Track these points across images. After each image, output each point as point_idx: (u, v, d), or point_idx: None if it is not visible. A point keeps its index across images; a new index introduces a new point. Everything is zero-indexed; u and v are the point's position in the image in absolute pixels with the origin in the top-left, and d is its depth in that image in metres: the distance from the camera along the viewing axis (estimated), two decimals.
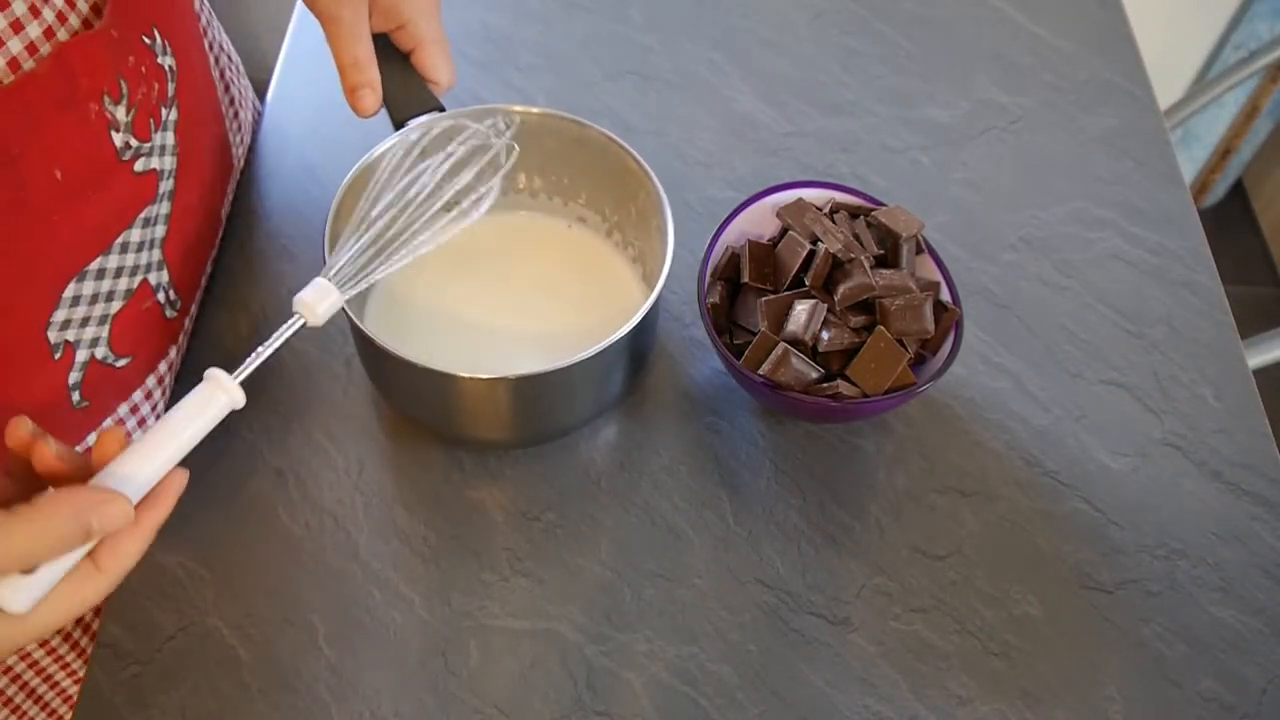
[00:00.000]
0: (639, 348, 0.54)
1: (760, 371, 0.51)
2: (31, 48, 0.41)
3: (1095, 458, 0.57)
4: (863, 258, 0.52)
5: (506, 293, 0.59)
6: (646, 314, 0.50)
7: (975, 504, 0.55)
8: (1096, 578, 0.53)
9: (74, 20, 0.43)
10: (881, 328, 0.51)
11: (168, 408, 0.57)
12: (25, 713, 0.61)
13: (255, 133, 0.69)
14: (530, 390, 0.50)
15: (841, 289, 0.51)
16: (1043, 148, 0.71)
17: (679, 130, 0.71)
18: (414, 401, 0.54)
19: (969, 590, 0.52)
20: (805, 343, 0.51)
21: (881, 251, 0.54)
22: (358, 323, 0.49)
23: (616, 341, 0.49)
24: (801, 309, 0.51)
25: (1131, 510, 0.55)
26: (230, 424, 0.57)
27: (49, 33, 0.42)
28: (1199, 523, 0.55)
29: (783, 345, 0.51)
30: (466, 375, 0.48)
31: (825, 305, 0.52)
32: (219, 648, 0.50)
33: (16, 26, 0.40)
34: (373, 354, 0.52)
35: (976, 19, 0.79)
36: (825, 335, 0.51)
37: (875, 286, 0.51)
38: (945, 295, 0.55)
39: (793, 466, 0.56)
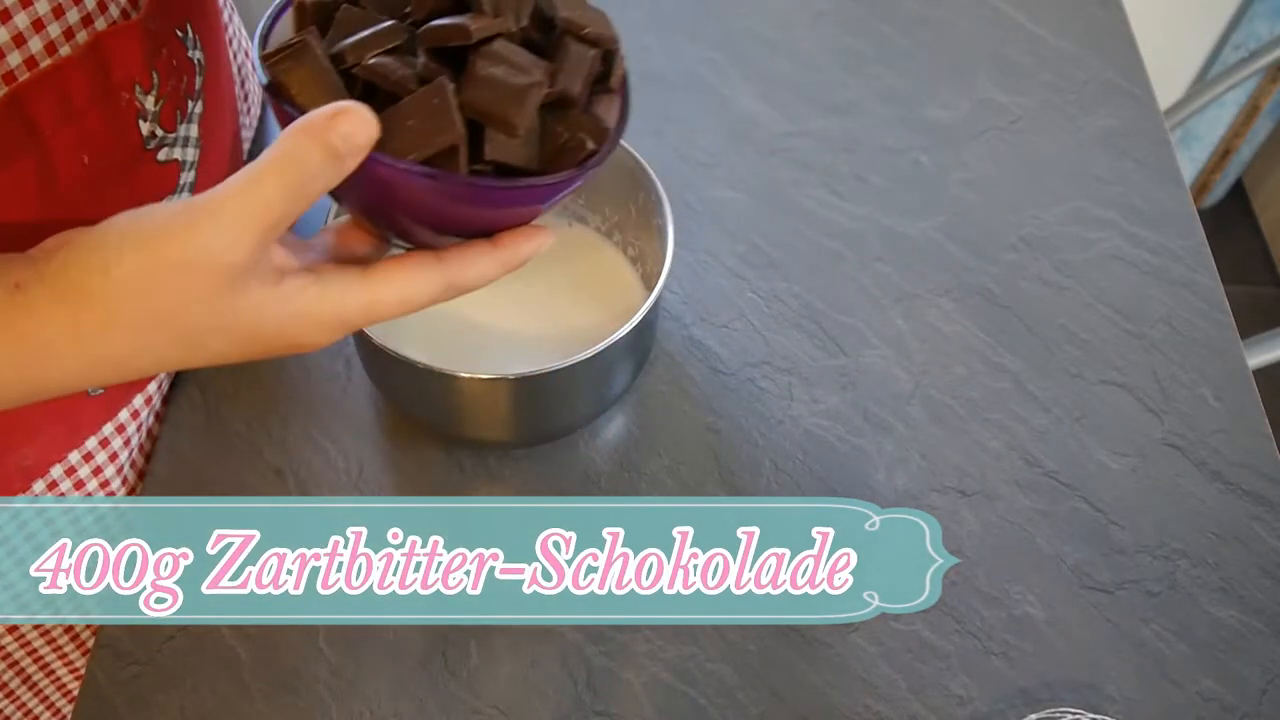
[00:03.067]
0: (639, 348, 0.54)
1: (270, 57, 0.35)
2: (68, 33, 0.41)
3: (1095, 458, 0.57)
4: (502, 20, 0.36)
5: (506, 292, 0.59)
6: (646, 314, 0.50)
7: (975, 504, 0.55)
8: (1096, 578, 0.53)
9: (113, 10, 0.43)
10: (446, 82, 0.35)
11: (169, 395, 0.58)
12: (24, 703, 0.61)
13: (260, 131, 0.70)
14: (530, 390, 0.50)
15: (431, 26, 0.36)
16: (1043, 148, 0.71)
17: (679, 130, 0.71)
18: (414, 401, 0.54)
19: (969, 590, 0.52)
20: (345, 60, 0.36)
21: (539, 36, 0.38)
22: None
23: (617, 341, 0.49)
24: (368, 28, 0.36)
25: (1131, 510, 0.55)
26: (230, 423, 0.57)
27: (87, 20, 0.42)
28: (1199, 523, 0.55)
29: (306, 39, 0.35)
30: (466, 375, 0.48)
31: (406, 38, 0.37)
32: (219, 648, 0.50)
33: (58, 12, 0.41)
34: (373, 354, 0.52)
35: (976, 19, 0.79)
36: (378, 61, 0.36)
37: (472, 34, 0.35)
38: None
39: (793, 466, 0.56)
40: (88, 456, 0.53)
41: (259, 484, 0.55)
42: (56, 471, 0.52)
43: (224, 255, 0.33)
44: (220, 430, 0.57)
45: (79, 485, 0.53)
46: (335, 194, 0.37)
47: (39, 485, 0.51)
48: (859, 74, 0.75)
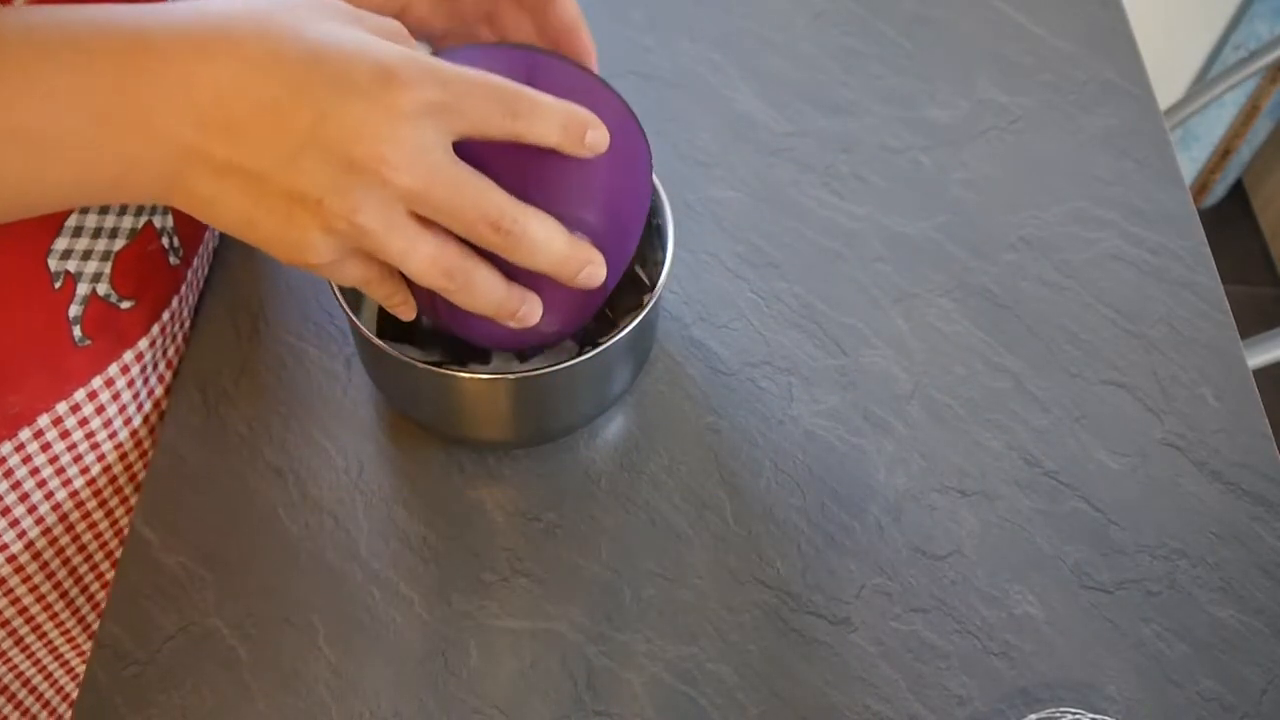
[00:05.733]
0: (639, 348, 0.54)
1: None
2: None
3: (1095, 458, 0.57)
4: None
5: None
6: (646, 314, 0.50)
7: (975, 504, 0.55)
8: (1096, 578, 0.53)
9: None
10: None
11: (175, 360, 0.58)
12: (26, 708, 0.61)
13: None
14: (530, 390, 0.50)
15: None
16: (1043, 148, 0.71)
17: (679, 130, 0.71)
18: (414, 401, 0.54)
19: (969, 590, 0.52)
20: None
21: None
22: (358, 323, 0.49)
23: (617, 341, 0.49)
24: None
25: (1131, 510, 0.55)
26: (230, 423, 0.57)
27: None
28: (1199, 523, 0.55)
29: None
30: (466, 375, 0.48)
31: None
32: (219, 648, 0.50)
33: None
34: (373, 354, 0.52)
35: (976, 19, 0.79)
36: None
37: None
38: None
39: (793, 466, 0.56)
40: (75, 408, 0.53)
41: (259, 484, 0.55)
42: (44, 421, 0.52)
43: None
44: (220, 430, 0.57)
45: (64, 435, 0.53)
46: None
47: (25, 433, 0.52)
48: (859, 74, 0.75)
